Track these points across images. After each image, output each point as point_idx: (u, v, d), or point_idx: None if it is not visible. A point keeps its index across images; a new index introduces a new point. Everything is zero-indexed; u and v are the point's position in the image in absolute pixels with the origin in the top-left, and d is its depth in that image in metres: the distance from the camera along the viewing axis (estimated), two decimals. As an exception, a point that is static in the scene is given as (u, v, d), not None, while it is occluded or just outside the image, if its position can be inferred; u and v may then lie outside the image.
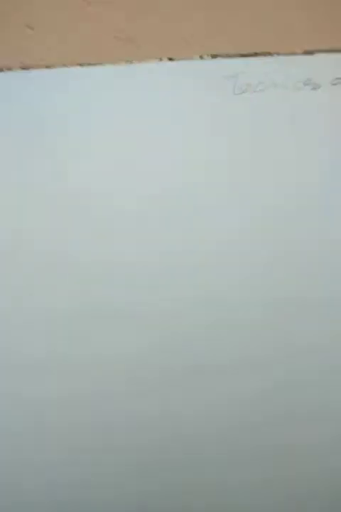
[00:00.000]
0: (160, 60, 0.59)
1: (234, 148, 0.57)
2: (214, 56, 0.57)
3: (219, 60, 0.57)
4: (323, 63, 0.56)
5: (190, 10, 0.58)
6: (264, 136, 0.57)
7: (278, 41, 0.57)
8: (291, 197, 0.57)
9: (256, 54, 0.57)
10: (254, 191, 0.57)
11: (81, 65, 0.61)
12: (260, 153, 0.57)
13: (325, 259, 0.57)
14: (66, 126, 0.60)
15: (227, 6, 0.58)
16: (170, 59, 0.58)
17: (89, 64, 0.60)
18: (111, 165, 0.59)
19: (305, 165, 0.57)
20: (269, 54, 0.57)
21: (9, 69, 0.63)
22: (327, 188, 0.57)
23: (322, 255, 0.57)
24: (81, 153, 0.60)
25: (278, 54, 0.56)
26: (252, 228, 0.58)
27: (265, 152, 0.57)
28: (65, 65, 0.62)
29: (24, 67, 0.63)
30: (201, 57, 0.58)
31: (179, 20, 0.58)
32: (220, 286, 0.58)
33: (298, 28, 0.57)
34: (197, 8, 0.58)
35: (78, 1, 0.61)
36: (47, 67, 0.62)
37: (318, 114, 0.56)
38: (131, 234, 0.59)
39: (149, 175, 0.59)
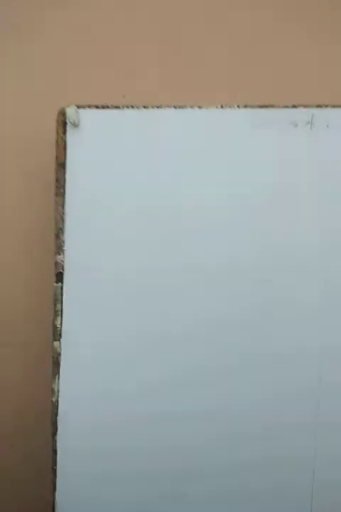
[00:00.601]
0: (216, 107, 1.11)
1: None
2: (245, 106, 1.11)
3: (246, 109, 1.11)
4: (300, 112, 1.10)
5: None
6: (269, 151, 1.11)
7: (277, 99, 1.10)
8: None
9: (265, 106, 1.10)
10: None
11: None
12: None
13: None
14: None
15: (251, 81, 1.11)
16: (222, 106, 1.11)
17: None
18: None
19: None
20: (272, 106, 1.10)
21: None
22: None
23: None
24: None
25: (278, 106, 1.10)
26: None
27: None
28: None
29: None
30: (238, 107, 1.11)
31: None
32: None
33: (286, 92, 1.11)
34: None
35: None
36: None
37: (297, 141, 1.11)
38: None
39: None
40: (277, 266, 1.10)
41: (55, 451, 1.04)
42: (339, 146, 1.09)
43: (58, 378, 1.05)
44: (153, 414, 1.05)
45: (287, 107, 1.10)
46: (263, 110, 1.10)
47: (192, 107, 1.11)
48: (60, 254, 1.10)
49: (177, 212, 1.11)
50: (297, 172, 1.10)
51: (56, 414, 1.05)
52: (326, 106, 1.09)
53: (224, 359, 1.07)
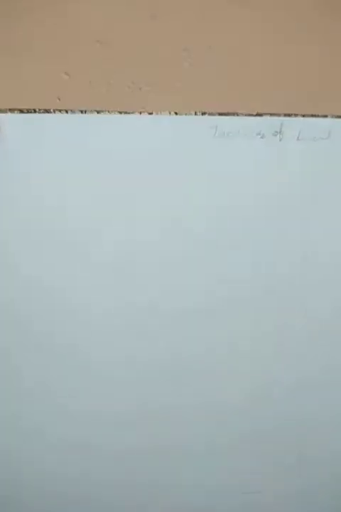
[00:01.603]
0: (169, 113, 0.92)
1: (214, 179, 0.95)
2: (203, 113, 0.93)
3: (206, 116, 0.93)
4: (267, 122, 0.93)
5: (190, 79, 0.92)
6: (233, 165, 0.95)
7: (241, 106, 0.93)
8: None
9: (228, 113, 0.93)
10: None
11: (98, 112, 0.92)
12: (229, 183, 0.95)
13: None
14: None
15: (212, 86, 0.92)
16: (176, 113, 0.92)
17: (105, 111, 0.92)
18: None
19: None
20: (236, 114, 0.93)
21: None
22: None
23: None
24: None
25: (242, 114, 0.93)
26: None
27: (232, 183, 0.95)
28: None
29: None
30: (195, 114, 0.93)
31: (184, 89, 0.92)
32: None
33: (252, 99, 0.93)
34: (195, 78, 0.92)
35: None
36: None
37: (264, 154, 0.95)
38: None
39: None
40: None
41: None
42: (312, 162, 0.94)
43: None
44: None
45: (251, 115, 0.93)
46: (225, 118, 0.92)
47: (140, 112, 0.91)
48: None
49: (125, 232, 0.94)
50: (262, 189, 0.95)
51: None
52: (296, 115, 0.93)
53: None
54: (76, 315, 0.98)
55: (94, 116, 0.91)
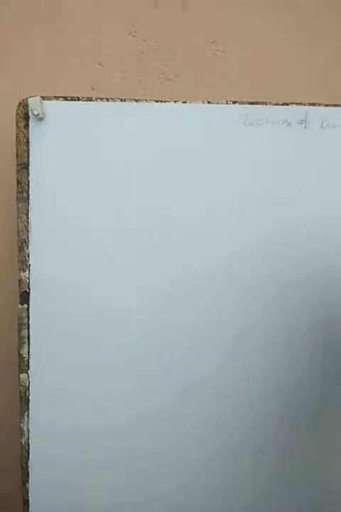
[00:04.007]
0: (203, 102, 0.99)
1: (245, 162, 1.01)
2: (234, 102, 1.00)
3: (237, 105, 1.00)
4: (293, 110, 1.00)
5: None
6: (262, 150, 1.01)
7: (269, 96, 1.00)
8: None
9: (257, 103, 1.00)
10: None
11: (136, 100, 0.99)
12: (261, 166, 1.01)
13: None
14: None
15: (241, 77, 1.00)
16: (209, 102, 1.00)
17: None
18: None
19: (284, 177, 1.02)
20: (264, 103, 1.00)
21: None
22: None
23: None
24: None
25: (270, 103, 1.00)
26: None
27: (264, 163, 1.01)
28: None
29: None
30: (227, 102, 1.00)
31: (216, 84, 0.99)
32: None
33: (278, 90, 1.01)
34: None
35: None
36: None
37: (290, 140, 1.01)
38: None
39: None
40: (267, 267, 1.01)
41: (26, 502, 0.89)
42: (336, 148, 1.00)
43: (28, 416, 0.90)
44: (129, 449, 0.93)
45: (278, 104, 1.00)
46: (255, 107, 0.99)
47: (176, 101, 0.98)
48: (24, 271, 0.93)
49: (160, 217, 0.98)
50: (289, 173, 1.01)
51: (27, 458, 0.89)
52: (320, 104, 1.00)
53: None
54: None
55: (130, 105, 0.98)
